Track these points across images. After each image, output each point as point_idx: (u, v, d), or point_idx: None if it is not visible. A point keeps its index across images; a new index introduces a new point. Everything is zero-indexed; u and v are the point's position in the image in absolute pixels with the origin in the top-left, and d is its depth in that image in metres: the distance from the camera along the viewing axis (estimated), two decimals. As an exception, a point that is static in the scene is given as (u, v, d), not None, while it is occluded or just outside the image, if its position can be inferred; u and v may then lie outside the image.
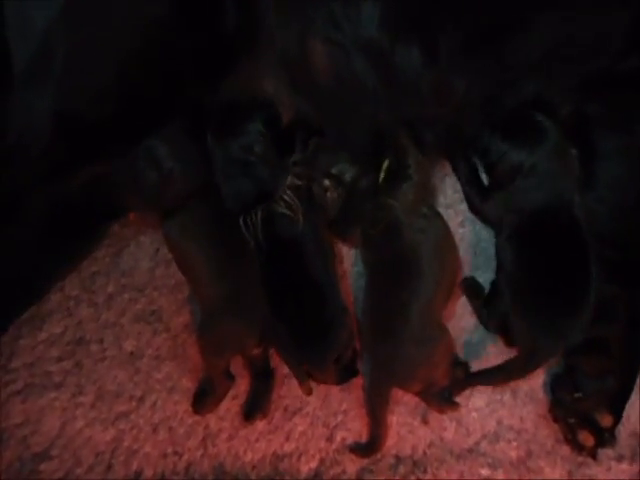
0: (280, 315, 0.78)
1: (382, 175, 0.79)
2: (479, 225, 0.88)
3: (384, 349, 0.77)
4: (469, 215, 0.89)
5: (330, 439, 0.83)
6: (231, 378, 0.82)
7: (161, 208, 0.79)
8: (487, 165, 0.84)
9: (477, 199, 0.86)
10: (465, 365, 0.84)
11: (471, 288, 0.86)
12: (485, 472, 0.81)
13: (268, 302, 0.78)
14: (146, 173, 0.75)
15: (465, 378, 0.83)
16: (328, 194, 0.82)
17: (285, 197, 0.77)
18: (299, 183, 0.79)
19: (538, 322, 0.76)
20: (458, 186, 0.90)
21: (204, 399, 0.82)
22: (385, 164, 0.80)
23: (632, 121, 0.82)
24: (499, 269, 0.82)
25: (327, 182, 0.83)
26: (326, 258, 0.81)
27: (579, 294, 0.77)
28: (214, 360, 0.79)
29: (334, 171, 0.83)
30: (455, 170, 0.90)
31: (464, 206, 0.89)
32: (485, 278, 0.87)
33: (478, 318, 0.85)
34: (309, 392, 0.81)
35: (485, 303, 0.84)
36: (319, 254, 0.80)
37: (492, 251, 0.87)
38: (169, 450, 0.82)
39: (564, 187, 0.80)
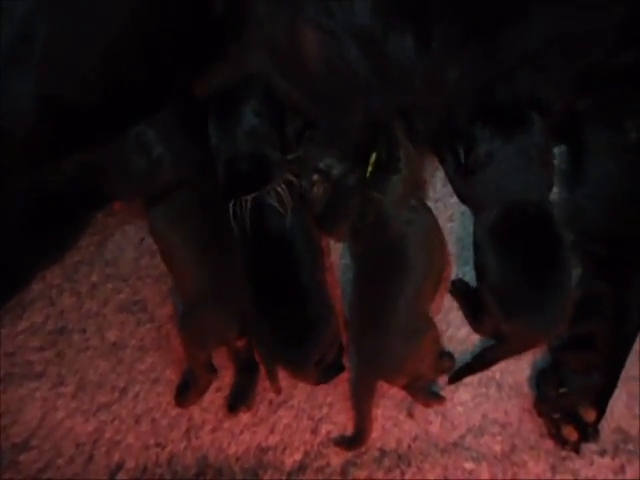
0: (262, 311, 0.77)
1: (370, 168, 0.79)
2: (468, 219, 0.88)
3: (371, 342, 0.77)
4: (458, 209, 0.89)
5: (315, 432, 0.82)
6: (213, 371, 0.81)
7: (148, 195, 0.77)
8: (466, 149, 0.84)
9: (456, 180, 0.87)
10: (450, 355, 0.83)
11: (460, 291, 0.86)
12: (469, 466, 0.82)
13: (251, 297, 0.77)
14: (135, 159, 0.74)
15: (454, 374, 0.83)
16: (315, 189, 0.81)
17: (278, 189, 0.76)
18: (292, 179, 0.78)
19: (518, 315, 0.77)
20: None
21: (187, 391, 0.81)
22: (373, 157, 0.79)
23: (623, 117, 0.82)
24: (481, 276, 0.83)
25: (315, 176, 0.83)
26: (314, 254, 0.80)
27: (555, 286, 0.78)
28: (196, 352, 0.78)
29: (322, 166, 0.82)
30: (437, 154, 0.89)
31: (453, 200, 0.89)
32: (472, 273, 0.87)
33: (467, 321, 0.85)
34: (278, 392, 0.80)
35: (471, 309, 0.84)
36: (306, 250, 0.79)
37: (480, 245, 0.87)
38: (151, 442, 0.81)
39: (534, 183, 0.80)
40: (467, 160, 0.84)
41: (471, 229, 0.87)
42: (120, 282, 0.85)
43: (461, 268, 0.88)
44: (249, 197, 0.76)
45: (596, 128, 0.84)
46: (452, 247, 0.88)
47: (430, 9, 0.73)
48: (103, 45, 0.67)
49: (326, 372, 0.80)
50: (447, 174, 0.88)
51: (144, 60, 0.70)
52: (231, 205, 0.76)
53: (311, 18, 0.72)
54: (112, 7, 0.66)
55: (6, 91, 0.65)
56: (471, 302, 0.84)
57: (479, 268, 0.84)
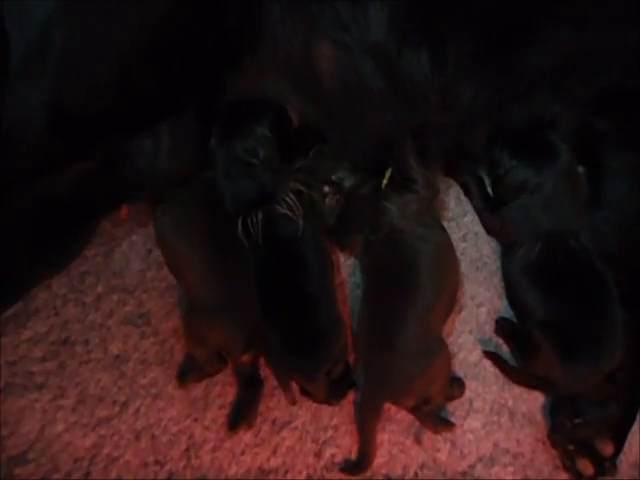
0: (272, 322, 0.76)
1: (385, 181, 0.78)
2: (481, 240, 0.87)
3: (379, 361, 0.74)
4: (472, 229, 0.87)
5: (318, 455, 0.80)
6: (223, 361, 0.79)
7: (152, 193, 0.77)
8: (494, 179, 0.82)
9: (485, 213, 0.85)
10: (460, 381, 0.81)
11: (506, 330, 0.83)
12: (479, 497, 0.78)
13: (261, 307, 0.76)
14: (141, 139, 0.73)
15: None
16: (327, 200, 0.80)
17: (287, 199, 0.76)
18: (301, 188, 0.78)
19: (577, 354, 0.74)
20: (461, 199, 0.88)
21: (191, 372, 0.80)
22: (389, 171, 0.78)
23: (641, 140, 0.80)
24: (523, 314, 0.80)
25: (326, 188, 0.82)
26: (324, 266, 0.79)
27: (608, 320, 0.75)
28: (197, 348, 0.77)
29: (333, 178, 0.82)
30: (461, 184, 0.88)
31: (467, 219, 0.87)
32: (486, 296, 0.85)
33: (517, 362, 0.82)
34: (293, 402, 0.78)
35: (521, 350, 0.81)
36: (318, 262, 0.78)
37: (494, 267, 0.86)
38: (150, 459, 0.79)
39: (571, 213, 0.79)
40: (496, 190, 0.82)
41: (484, 250, 0.86)
42: (125, 294, 0.84)
43: (474, 290, 0.86)
44: (258, 211, 0.75)
45: (615, 150, 0.82)
46: (465, 268, 0.86)
47: (446, 26, 0.73)
48: (117, 55, 0.67)
49: (333, 389, 0.77)
50: (474, 207, 0.87)
51: (157, 71, 0.70)
52: (240, 219, 0.75)
53: (326, 33, 0.72)
54: (127, 18, 0.67)
55: (18, 98, 0.65)
56: (519, 342, 0.81)
57: (518, 306, 0.81)
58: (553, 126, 0.81)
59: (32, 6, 0.64)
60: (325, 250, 0.80)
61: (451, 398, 0.80)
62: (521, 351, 0.80)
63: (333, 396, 0.78)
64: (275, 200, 0.76)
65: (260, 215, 0.75)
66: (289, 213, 0.76)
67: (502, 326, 0.83)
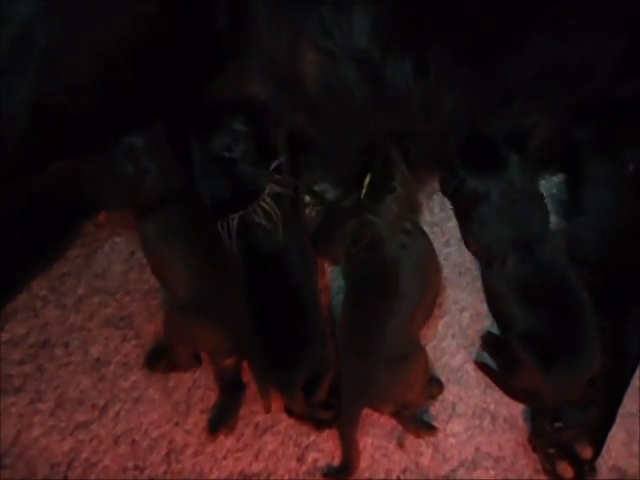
0: (255, 327, 0.75)
1: (364, 190, 0.78)
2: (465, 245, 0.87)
3: (358, 368, 0.74)
4: (455, 234, 0.88)
5: (301, 460, 0.79)
6: (198, 361, 0.79)
7: (136, 207, 0.76)
8: (452, 190, 0.83)
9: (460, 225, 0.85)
10: (439, 381, 0.81)
11: (491, 345, 0.83)
12: (461, 501, 0.78)
13: (249, 311, 0.74)
14: (123, 165, 0.73)
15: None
16: (307, 211, 0.80)
17: (264, 205, 0.75)
18: (279, 191, 0.77)
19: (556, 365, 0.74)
20: (445, 204, 0.89)
21: (162, 357, 0.79)
22: (367, 179, 0.78)
23: (621, 149, 0.82)
24: (505, 326, 0.80)
25: (308, 198, 0.82)
26: (307, 269, 0.78)
27: (584, 326, 0.75)
28: (179, 343, 0.76)
29: (316, 189, 0.82)
30: (443, 192, 0.89)
31: (450, 224, 0.88)
32: (468, 300, 0.86)
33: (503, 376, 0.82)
34: (268, 410, 0.76)
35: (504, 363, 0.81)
36: (299, 265, 0.77)
37: (477, 272, 0.87)
38: (130, 464, 0.78)
39: (528, 221, 0.79)
40: (454, 202, 0.84)
41: (468, 255, 0.86)
42: (107, 296, 0.83)
43: (457, 294, 0.86)
44: (235, 216, 0.74)
45: (594, 158, 0.84)
46: (448, 273, 0.86)
47: (428, 35, 0.74)
48: (100, 55, 0.67)
49: (315, 408, 0.76)
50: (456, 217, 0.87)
51: (140, 72, 0.70)
52: (219, 224, 0.75)
53: (311, 38, 0.73)
54: (112, 18, 0.67)
55: (1, 97, 0.64)
56: (503, 356, 0.81)
57: (500, 318, 0.82)
58: (532, 134, 0.82)
59: (15, 4, 0.64)
60: (309, 254, 0.79)
61: (431, 397, 0.80)
62: (505, 365, 0.81)
63: (311, 413, 0.77)
64: (252, 203, 0.74)
65: (235, 222, 0.74)
66: (265, 223, 0.74)
67: (488, 340, 0.84)
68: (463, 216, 0.84)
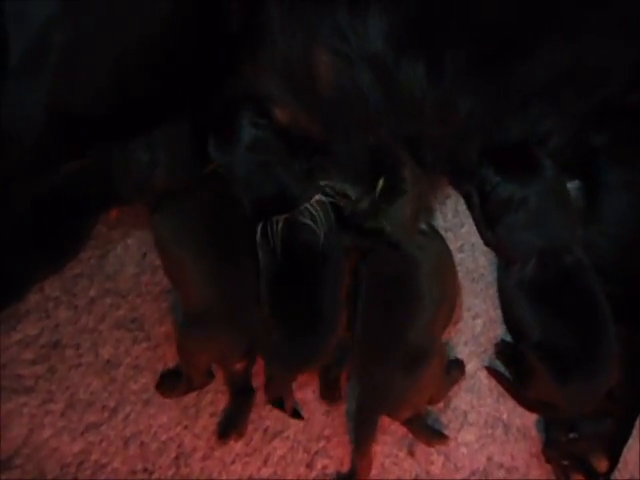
0: (278, 325, 0.73)
1: (377, 192, 0.77)
2: (478, 251, 0.86)
3: (376, 375, 0.73)
4: (468, 240, 0.87)
5: (310, 466, 0.79)
6: (211, 376, 0.78)
7: (145, 199, 0.76)
8: (482, 196, 0.82)
9: (480, 228, 0.84)
10: (460, 363, 0.81)
11: (505, 353, 0.82)
12: (472, 511, 0.77)
13: (269, 305, 0.74)
14: (139, 154, 0.73)
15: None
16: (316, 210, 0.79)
17: (310, 208, 0.74)
18: (323, 199, 0.76)
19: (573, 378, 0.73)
20: (458, 210, 0.88)
21: (175, 382, 0.78)
22: (380, 183, 0.78)
23: (638, 155, 0.80)
24: (519, 334, 0.79)
25: (318, 197, 0.81)
26: (339, 277, 0.76)
27: (603, 338, 0.74)
28: (191, 362, 0.76)
29: (327, 190, 0.81)
30: (463, 195, 0.88)
31: (464, 230, 0.87)
32: (482, 307, 0.85)
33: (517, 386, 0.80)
34: (291, 411, 0.76)
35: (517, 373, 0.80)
36: (333, 276, 0.75)
37: (490, 278, 0.86)
38: (139, 467, 0.78)
39: (561, 228, 0.78)
40: (484, 208, 0.82)
41: (481, 261, 0.85)
42: (119, 298, 0.83)
43: (470, 301, 0.85)
44: (281, 217, 0.74)
45: (611, 165, 0.82)
46: (461, 279, 0.85)
47: (443, 38, 0.73)
48: (117, 57, 0.67)
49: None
50: (474, 219, 0.86)
51: (156, 73, 0.70)
52: (260, 226, 0.74)
53: (325, 41, 0.73)
54: (129, 21, 0.67)
55: (17, 99, 0.65)
56: (517, 365, 0.79)
57: (514, 325, 0.80)
58: (548, 140, 0.81)
59: (32, 6, 0.64)
60: (342, 266, 0.77)
61: (454, 382, 0.80)
62: (518, 374, 0.79)
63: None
64: (299, 202, 0.74)
65: (282, 222, 0.73)
66: (311, 223, 0.73)
67: (501, 348, 0.82)
68: (489, 221, 0.82)
